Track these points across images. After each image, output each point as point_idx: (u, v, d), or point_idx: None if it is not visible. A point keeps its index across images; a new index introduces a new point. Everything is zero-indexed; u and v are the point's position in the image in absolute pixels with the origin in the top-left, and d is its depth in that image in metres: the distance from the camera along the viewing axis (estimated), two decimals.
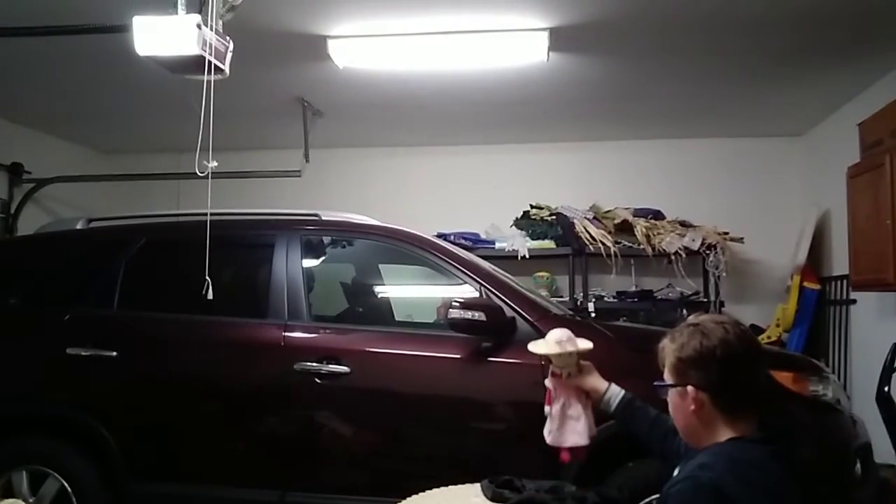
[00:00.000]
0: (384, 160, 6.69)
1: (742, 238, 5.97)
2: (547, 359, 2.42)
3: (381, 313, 3.99)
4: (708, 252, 5.82)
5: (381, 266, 4.13)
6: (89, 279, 3.55)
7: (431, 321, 3.78)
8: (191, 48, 2.70)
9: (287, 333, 3.21)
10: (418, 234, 3.50)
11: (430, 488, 2.40)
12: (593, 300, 5.92)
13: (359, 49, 4.23)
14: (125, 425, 3.23)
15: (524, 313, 3.06)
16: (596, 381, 2.37)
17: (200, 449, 3.24)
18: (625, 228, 5.95)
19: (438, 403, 3.05)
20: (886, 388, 3.66)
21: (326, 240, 3.63)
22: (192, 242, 3.01)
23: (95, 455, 3.21)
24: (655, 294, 5.99)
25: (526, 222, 6.16)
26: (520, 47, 4.20)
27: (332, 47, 4.17)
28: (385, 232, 3.54)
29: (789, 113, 5.68)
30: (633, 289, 6.04)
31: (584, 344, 2.41)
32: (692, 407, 1.79)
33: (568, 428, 2.36)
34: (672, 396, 1.86)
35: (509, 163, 6.56)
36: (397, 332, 3.46)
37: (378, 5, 3.74)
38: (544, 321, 3.05)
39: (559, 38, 4.06)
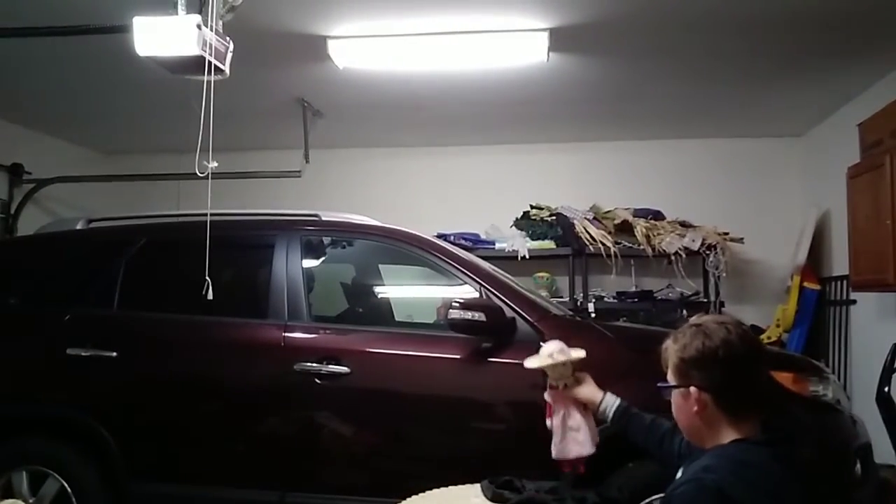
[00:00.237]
0: (384, 160, 6.70)
1: (742, 238, 5.97)
2: (543, 373, 2.43)
3: (381, 314, 4.00)
4: (708, 252, 5.82)
5: (381, 266, 4.14)
6: (89, 279, 3.55)
7: (431, 321, 3.78)
8: (191, 48, 2.70)
9: (287, 334, 3.21)
10: (418, 234, 3.50)
11: (430, 489, 2.40)
12: (593, 300, 5.92)
13: (359, 49, 4.23)
14: (125, 425, 3.23)
15: (524, 314, 3.06)
16: (592, 392, 2.39)
17: (200, 449, 3.24)
18: (625, 229, 5.95)
19: (438, 404, 3.05)
20: (886, 389, 3.65)
21: (326, 240, 3.63)
22: (192, 243, 3.00)
23: (95, 455, 3.21)
24: (655, 294, 5.99)
25: (526, 223, 6.16)
26: (520, 48, 4.20)
27: (333, 48, 4.17)
28: (385, 232, 3.54)
29: (789, 113, 5.68)
30: (633, 289, 6.04)
31: (577, 353, 2.42)
32: (695, 408, 1.79)
33: (570, 439, 2.37)
34: (675, 397, 1.86)
35: (509, 163, 6.56)
36: (397, 333, 3.46)
37: (378, 6, 3.74)
38: (544, 322, 3.06)
39: (559, 39, 4.07)
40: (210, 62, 2.74)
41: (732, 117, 5.82)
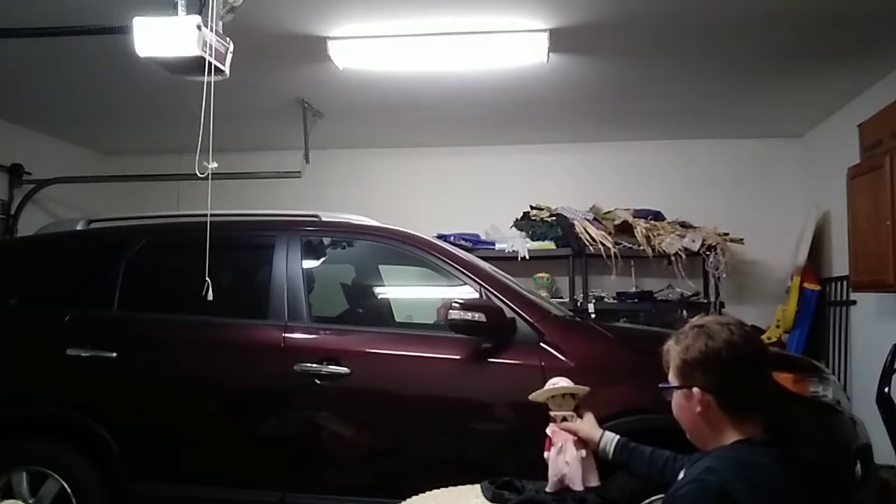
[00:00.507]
0: (384, 161, 6.70)
1: (742, 239, 5.97)
2: (546, 405, 2.45)
3: (381, 314, 4.00)
4: (708, 253, 5.82)
5: (381, 267, 4.14)
6: (89, 280, 3.55)
7: (431, 322, 3.78)
8: (191, 49, 2.70)
9: (287, 334, 3.21)
10: (418, 235, 3.50)
11: (431, 489, 2.40)
12: (593, 301, 5.92)
13: (359, 50, 4.23)
14: (125, 426, 3.22)
15: (524, 314, 3.06)
16: (591, 430, 2.39)
17: (200, 450, 3.24)
18: (625, 229, 5.95)
19: (438, 404, 3.05)
20: (886, 389, 3.65)
21: (326, 241, 3.63)
22: (192, 243, 3.00)
23: (95, 456, 3.21)
24: (655, 295, 5.99)
25: (526, 223, 6.16)
26: (520, 48, 4.20)
27: (333, 48, 4.17)
28: (385, 233, 3.54)
29: (789, 114, 5.68)
30: (634, 290, 6.03)
31: (581, 389, 2.45)
32: (698, 409, 1.79)
33: (564, 472, 2.37)
34: (677, 398, 1.86)
35: (509, 164, 6.56)
36: (397, 333, 3.46)
37: (378, 6, 3.75)
38: (544, 322, 3.06)
39: (559, 40, 4.07)
40: (210, 63, 2.74)
41: (732, 118, 5.82)
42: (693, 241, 5.80)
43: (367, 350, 3.19)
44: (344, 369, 3.08)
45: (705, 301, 5.92)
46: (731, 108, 5.52)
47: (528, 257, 5.94)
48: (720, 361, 1.77)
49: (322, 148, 5.91)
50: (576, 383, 2.48)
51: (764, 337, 5.59)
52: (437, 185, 6.60)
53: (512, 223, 6.23)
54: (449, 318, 2.94)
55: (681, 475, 1.86)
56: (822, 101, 5.30)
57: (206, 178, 2.75)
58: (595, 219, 6.07)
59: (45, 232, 4.12)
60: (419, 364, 3.10)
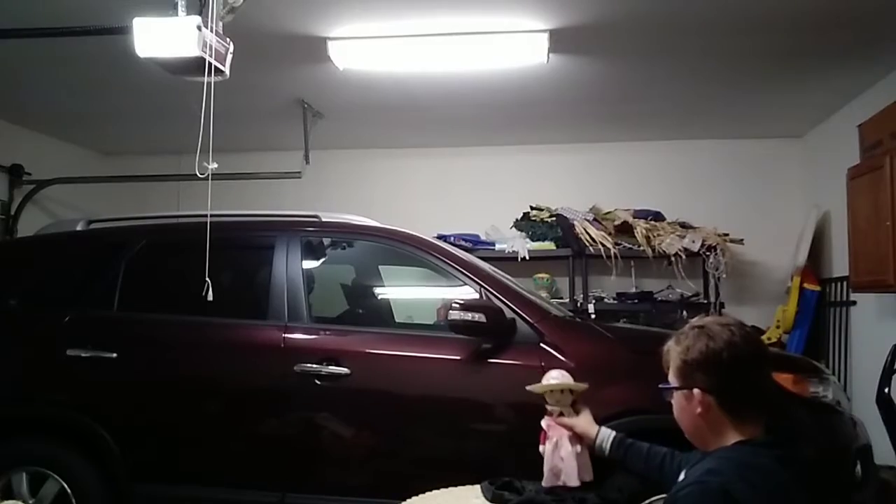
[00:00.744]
0: (384, 161, 6.70)
1: (742, 239, 5.96)
2: (543, 398, 2.44)
3: (381, 315, 4.00)
4: (708, 253, 5.82)
5: (381, 267, 4.14)
6: (89, 281, 3.55)
7: (431, 323, 3.78)
8: (191, 50, 2.70)
9: (287, 335, 3.21)
10: (418, 235, 3.50)
11: (431, 490, 2.40)
12: (593, 301, 5.91)
13: (359, 51, 4.23)
14: (125, 427, 3.23)
15: (524, 315, 3.06)
16: (588, 426, 2.39)
17: (200, 451, 3.24)
18: (625, 230, 5.95)
19: (438, 405, 3.05)
20: (886, 390, 3.65)
21: (326, 241, 3.63)
22: (192, 244, 3.00)
23: (95, 457, 3.21)
24: (655, 295, 5.99)
25: (526, 224, 6.16)
26: (520, 49, 4.20)
27: (333, 49, 4.17)
28: (385, 233, 3.54)
29: (789, 114, 5.68)
30: (634, 290, 6.03)
31: (579, 385, 2.44)
32: (698, 410, 1.79)
33: (559, 467, 2.36)
34: (677, 399, 1.86)
35: (509, 164, 6.56)
36: (397, 334, 3.46)
37: (378, 7, 3.74)
38: (544, 323, 3.06)
39: (559, 40, 4.07)
40: (210, 63, 2.74)
41: (732, 118, 5.82)
42: (693, 242, 5.80)
43: (368, 350, 3.19)
44: (344, 370, 3.08)
45: (705, 302, 5.91)
46: (731, 108, 5.52)
47: (527, 258, 5.93)
48: (721, 362, 1.77)
49: (322, 148, 5.91)
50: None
51: (764, 337, 5.59)
52: (437, 186, 6.60)
53: (512, 224, 6.22)
54: (449, 318, 2.94)
55: (681, 476, 1.86)
56: (822, 101, 5.30)
57: (206, 179, 2.75)
58: (595, 219, 6.07)
59: (46, 232, 4.12)
60: (419, 364, 3.10)
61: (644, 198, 6.24)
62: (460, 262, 3.33)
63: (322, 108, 5.42)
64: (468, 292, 3.19)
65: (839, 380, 5.27)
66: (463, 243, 5.75)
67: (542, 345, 2.97)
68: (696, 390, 1.79)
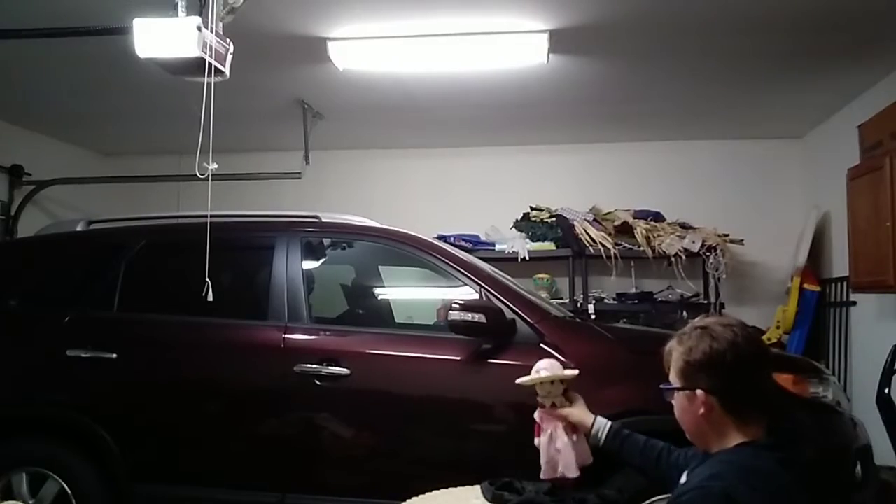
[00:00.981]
0: (384, 162, 6.70)
1: (742, 240, 5.96)
2: (534, 390, 2.40)
3: (381, 315, 3.99)
4: (708, 254, 5.82)
5: (381, 268, 4.13)
6: (89, 281, 3.55)
7: (431, 323, 3.78)
8: (191, 50, 2.70)
9: (287, 335, 3.21)
10: (418, 235, 3.50)
11: (431, 490, 2.40)
12: (593, 302, 5.92)
13: (359, 51, 4.23)
14: (125, 427, 3.22)
15: (524, 315, 3.06)
16: (582, 415, 2.34)
17: (200, 451, 3.24)
18: (625, 230, 5.95)
19: (438, 405, 3.05)
20: (886, 390, 3.65)
21: (326, 241, 3.63)
22: (192, 244, 3.00)
23: (95, 457, 3.21)
24: (655, 296, 5.99)
25: (526, 224, 6.16)
26: (520, 49, 4.20)
27: (333, 49, 4.17)
28: (385, 234, 3.54)
29: (789, 115, 5.68)
30: (634, 291, 6.03)
31: (569, 372, 2.40)
32: (701, 410, 1.78)
33: (554, 460, 2.34)
34: (679, 399, 1.85)
35: (509, 165, 6.56)
36: (397, 334, 3.45)
37: (378, 7, 3.75)
38: (544, 323, 3.06)
39: (559, 40, 4.07)
40: (210, 64, 2.74)
41: (732, 119, 5.82)
42: (693, 242, 5.80)
43: (367, 351, 3.19)
44: (344, 370, 3.08)
45: (705, 302, 5.91)
46: (731, 108, 5.52)
47: (528, 258, 5.93)
48: (724, 363, 1.77)
49: (322, 149, 5.91)
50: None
51: (764, 338, 5.59)
52: (437, 186, 6.60)
53: (512, 224, 6.22)
54: (449, 318, 2.94)
55: (682, 478, 1.86)
56: (822, 101, 5.30)
57: (206, 179, 2.75)
58: (595, 220, 6.07)
59: (46, 233, 4.12)
60: (419, 365, 3.10)
61: (644, 198, 6.24)
62: (460, 263, 3.33)
63: (322, 108, 5.42)
64: (468, 293, 3.19)
65: (839, 380, 5.27)
66: (463, 244, 5.75)
67: (542, 345, 2.97)
68: (698, 391, 1.79)
